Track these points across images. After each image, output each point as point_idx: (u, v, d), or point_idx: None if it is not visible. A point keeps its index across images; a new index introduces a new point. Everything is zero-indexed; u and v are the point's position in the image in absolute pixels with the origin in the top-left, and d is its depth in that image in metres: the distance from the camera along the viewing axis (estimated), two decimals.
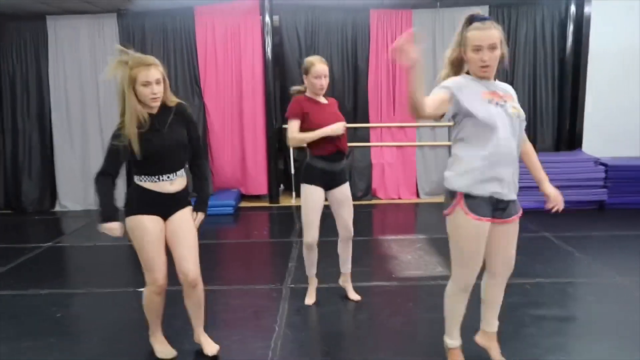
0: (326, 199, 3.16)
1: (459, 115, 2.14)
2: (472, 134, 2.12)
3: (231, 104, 6.62)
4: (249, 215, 6.17)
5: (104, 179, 2.42)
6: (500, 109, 2.10)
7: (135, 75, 2.27)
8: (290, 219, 5.90)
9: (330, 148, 3.08)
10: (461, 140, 2.17)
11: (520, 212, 2.27)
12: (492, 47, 2.05)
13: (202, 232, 2.67)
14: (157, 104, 2.35)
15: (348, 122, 6.77)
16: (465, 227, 2.16)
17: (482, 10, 6.54)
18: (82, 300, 3.60)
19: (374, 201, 6.69)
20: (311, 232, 3.13)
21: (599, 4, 6.22)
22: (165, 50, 6.48)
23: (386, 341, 2.88)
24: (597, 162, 5.88)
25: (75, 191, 6.58)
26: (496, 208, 2.18)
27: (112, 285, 3.79)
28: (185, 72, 6.53)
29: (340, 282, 3.43)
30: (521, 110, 2.18)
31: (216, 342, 2.67)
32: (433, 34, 6.60)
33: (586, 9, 6.23)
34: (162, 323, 2.67)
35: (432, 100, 2.08)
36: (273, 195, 6.69)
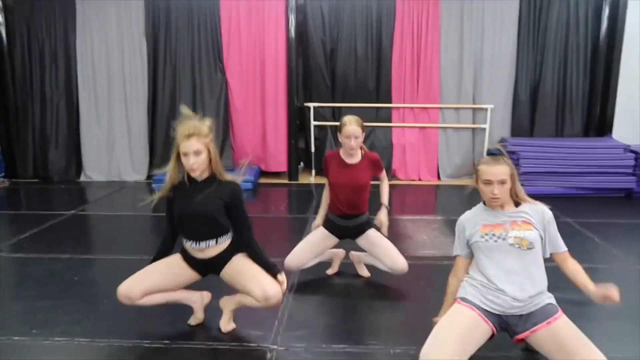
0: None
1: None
2: (476, 260, 2.28)
3: (253, 81, 6.61)
4: (267, 191, 6.20)
5: (162, 241, 2.64)
6: (495, 243, 2.20)
7: (178, 143, 2.37)
8: (308, 196, 5.91)
9: (340, 209, 3.12)
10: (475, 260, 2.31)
11: (554, 317, 2.11)
12: (502, 182, 2.18)
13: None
14: (196, 174, 2.40)
15: (370, 102, 6.73)
16: (452, 309, 2.23)
17: None
18: (100, 266, 3.70)
19: (393, 182, 6.62)
20: (293, 257, 3.17)
21: None
22: (190, 25, 6.49)
23: (394, 317, 2.88)
24: (627, 149, 5.68)
25: (99, 162, 6.71)
26: (503, 321, 2.18)
27: (130, 252, 3.87)
28: (208, 48, 6.53)
29: (352, 256, 3.42)
30: (526, 237, 2.17)
31: None
32: (461, 17, 6.43)
33: None
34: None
35: (462, 270, 2.36)
36: (292, 173, 6.70)
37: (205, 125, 2.39)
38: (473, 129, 6.68)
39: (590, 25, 6.38)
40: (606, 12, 6.23)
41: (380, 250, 3.13)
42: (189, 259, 2.54)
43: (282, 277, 2.48)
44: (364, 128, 3.06)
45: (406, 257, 3.72)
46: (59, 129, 6.65)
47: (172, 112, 6.57)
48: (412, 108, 6.68)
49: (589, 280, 2.20)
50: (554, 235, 2.26)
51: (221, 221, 2.45)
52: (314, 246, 3.20)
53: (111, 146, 6.69)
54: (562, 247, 2.26)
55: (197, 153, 2.34)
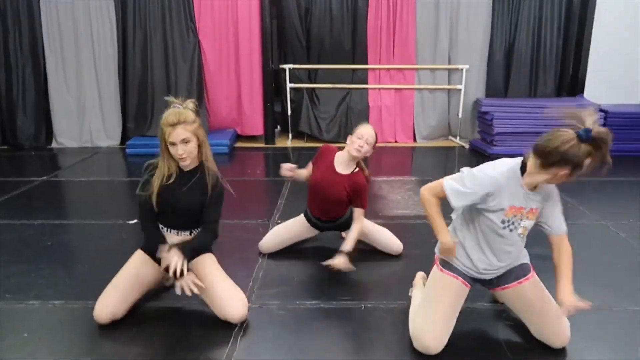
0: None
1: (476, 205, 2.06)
2: (473, 230, 2.12)
3: (227, 42, 6.46)
4: (244, 155, 6.17)
5: (145, 223, 2.43)
6: (509, 232, 2.06)
7: (163, 133, 2.25)
8: (285, 159, 5.88)
9: (317, 212, 3.01)
10: (465, 221, 2.15)
11: (525, 278, 2.16)
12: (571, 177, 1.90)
13: None
14: (186, 162, 2.31)
15: (346, 63, 6.64)
16: (434, 277, 2.22)
17: None
18: (73, 231, 3.67)
19: None
20: (269, 242, 3.13)
21: None
22: None
23: (365, 274, 2.94)
24: (597, 108, 5.77)
25: (71, 128, 6.55)
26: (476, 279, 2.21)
27: (103, 217, 3.85)
28: (179, 8, 6.32)
29: None
30: (529, 227, 2.09)
31: None
32: None
33: None
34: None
35: (439, 199, 2.14)
36: (269, 136, 6.66)
37: (190, 111, 2.28)
38: (448, 89, 6.70)
39: None
40: None
41: (373, 237, 3.11)
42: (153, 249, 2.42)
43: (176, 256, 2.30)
44: (376, 145, 2.87)
45: (380, 217, 3.81)
46: (26, 95, 6.43)
47: (144, 75, 6.41)
48: (388, 69, 6.65)
49: (569, 280, 2.07)
50: (557, 215, 2.10)
51: (201, 213, 2.41)
52: (293, 237, 3.15)
53: (82, 111, 6.53)
54: (563, 228, 2.11)
55: (185, 141, 2.24)
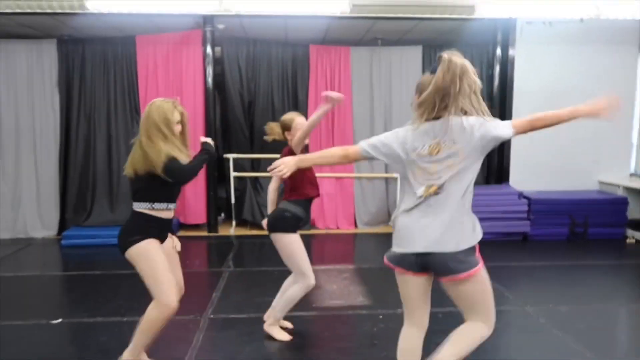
0: None
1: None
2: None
3: None
4: (185, 245, 6.05)
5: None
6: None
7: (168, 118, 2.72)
8: (227, 249, 5.90)
9: (315, 189, 3.29)
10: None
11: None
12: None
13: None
14: None
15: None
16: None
17: (416, 51, 6.88)
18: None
19: (312, 231, 6.77)
20: (309, 271, 3.31)
21: (521, 48, 6.66)
22: (106, 76, 6.47)
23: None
24: (521, 195, 6.20)
25: (4, 218, 6.36)
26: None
27: (24, 317, 3.68)
28: (125, 100, 6.51)
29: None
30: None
31: None
32: (370, 70, 6.89)
33: (510, 52, 6.65)
34: None
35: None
36: (212, 225, 6.68)
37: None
38: (386, 178, 7.03)
39: (485, 81, 7.01)
40: (497, 69, 6.86)
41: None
42: (159, 231, 2.73)
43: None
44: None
45: (313, 309, 3.84)
46: None
47: (85, 165, 6.43)
48: None
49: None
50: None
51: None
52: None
53: (17, 201, 6.38)
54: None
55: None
